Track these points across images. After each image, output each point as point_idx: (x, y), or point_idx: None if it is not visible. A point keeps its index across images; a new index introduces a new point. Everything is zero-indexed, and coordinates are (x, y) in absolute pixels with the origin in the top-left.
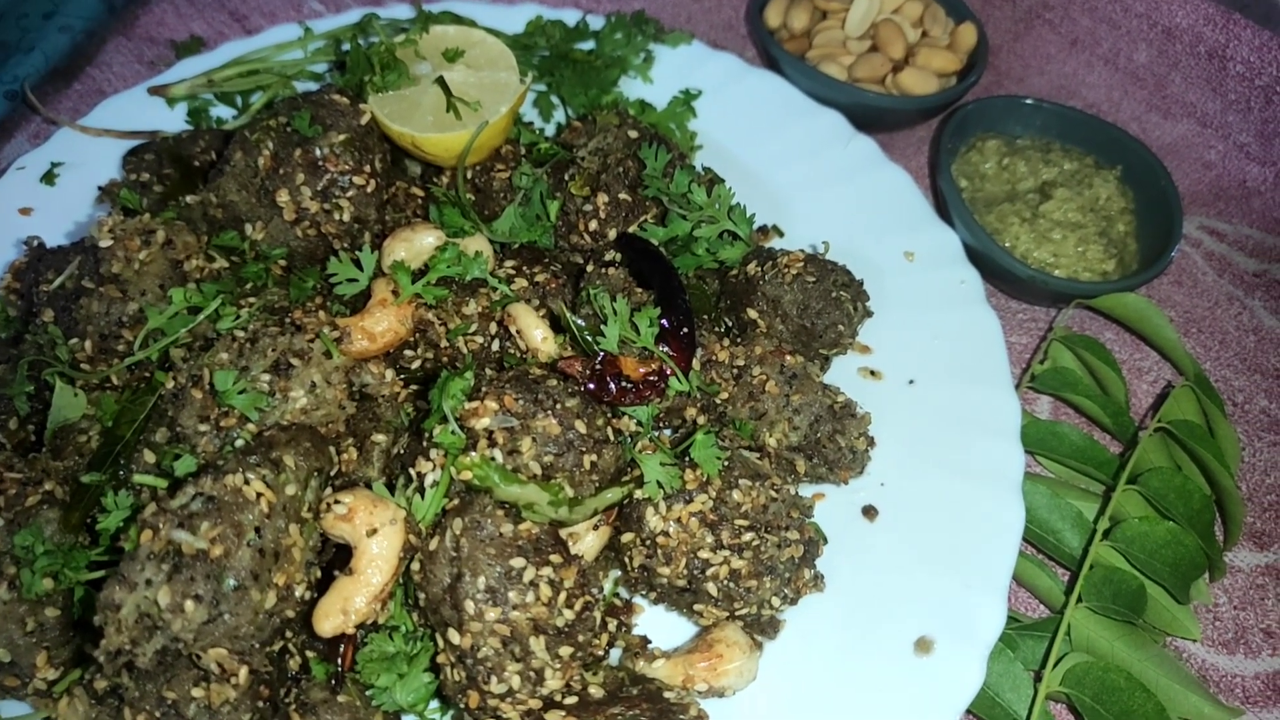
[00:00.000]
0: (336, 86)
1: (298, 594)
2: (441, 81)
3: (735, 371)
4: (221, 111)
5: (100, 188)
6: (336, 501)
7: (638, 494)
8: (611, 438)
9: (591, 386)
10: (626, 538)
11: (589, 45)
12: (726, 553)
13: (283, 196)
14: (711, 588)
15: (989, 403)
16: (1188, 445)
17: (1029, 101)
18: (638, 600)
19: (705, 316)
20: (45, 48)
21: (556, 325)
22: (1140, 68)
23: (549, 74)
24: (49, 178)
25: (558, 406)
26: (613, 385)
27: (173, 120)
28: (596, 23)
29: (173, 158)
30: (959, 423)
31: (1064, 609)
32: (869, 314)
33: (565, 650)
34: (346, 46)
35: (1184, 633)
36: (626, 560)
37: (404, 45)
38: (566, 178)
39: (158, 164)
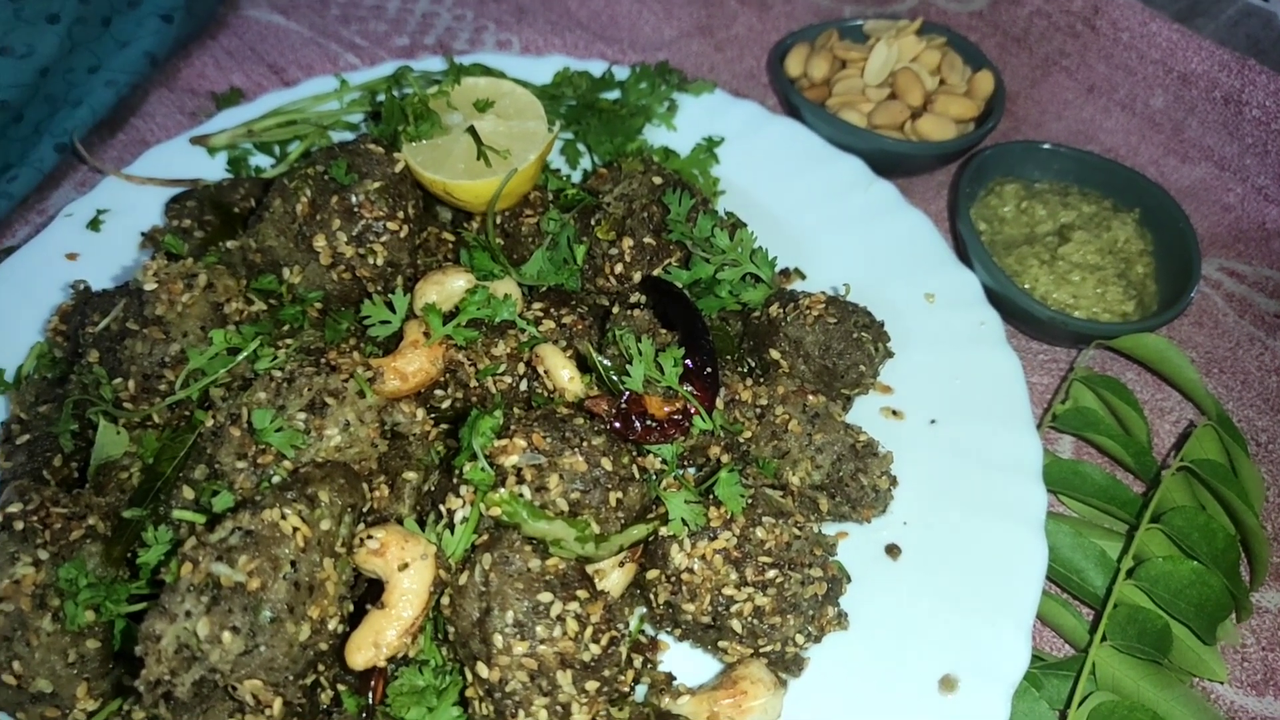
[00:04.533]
0: (372, 136)
1: (331, 627)
2: (472, 131)
3: (758, 411)
4: (260, 160)
5: (143, 234)
6: (369, 537)
7: (663, 531)
8: (637, 475)
9: (617, 425)
10: (651, 574)
11: (614, 95)
12: (750, 590)
13: (319, 242)
14: (736, 624)
15: (1011, 442)
16: (1211, 484)
17: (1046, 146)
18: (663, 637)
19: (728, 357)
20: (92, 102)
21: (583, 365)
22: (1157, 113)
23: (576, 123)
24: (95, 224)
25: (584, 444)
26: (638, 424)
27: (213, 169)
28: (622, 73)
29: (213, 205)
30: (981, 462)
31: (1088, 648)
32: (890, 354)
33: (591, 685)
34: (381, 98)
35: (1210, 674)
36: (652, 597)
37: (436, 96)
38: (593, 222)
39: (199, 211)
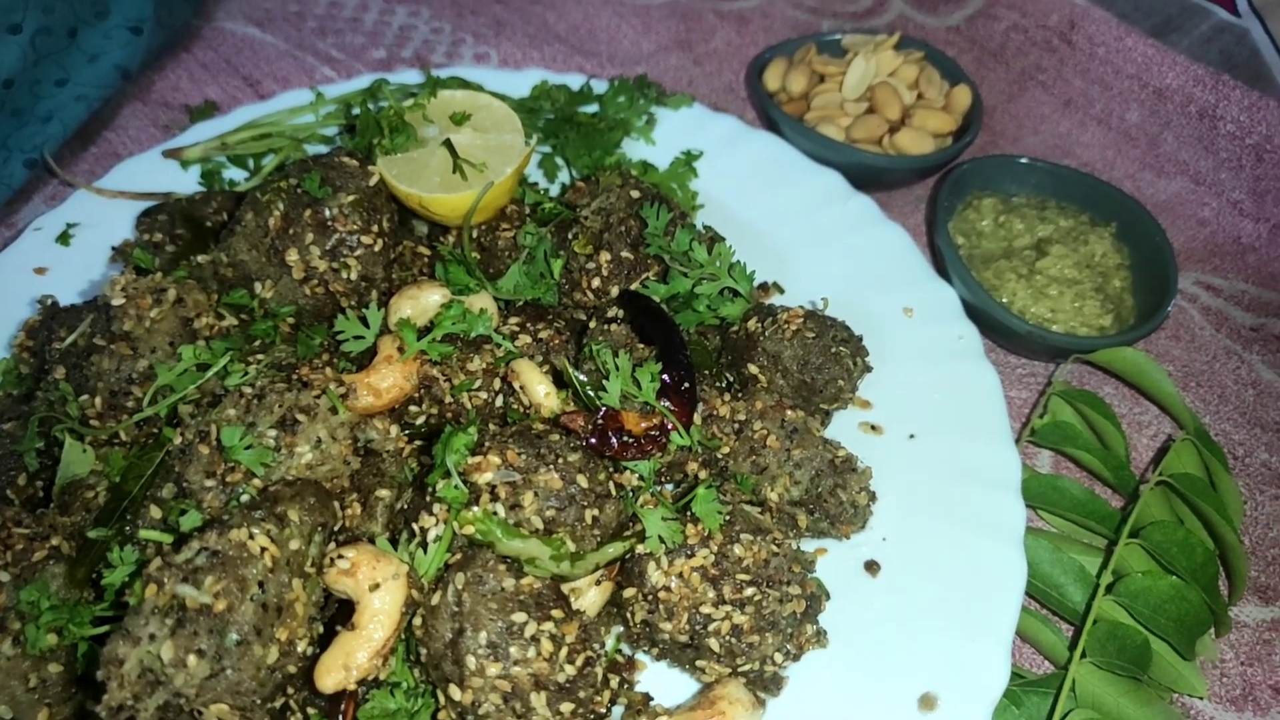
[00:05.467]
0: (346, 149)
1: (300, 649)
2: (449, 144)
3: (736, 426)
4: (234, 174)
5: (114, 248)
6: (340, 556)
7: (639, 549)
8: (613, 492)
9: (593, 441)
10: (628, 593)
11: (593, 108)
12: (729, 608)
13: (292, 256)
14: (714, 643)
15: (989, 457)
16: (1189, 499)
17: (1024, 160)
18: (640, 656)
19: (706, 372)
20: (63, 117)
21: (559, 381)
22: (1133, 127)
23: (553, 136)
24: (64, 238)
25: (560, 461)
26: (614, 440)
27: (186, 182)
28: (600, 87)
29: (185, 218)
30: (960, 477)
31: (1068, 664)
32: (869, 369)
33: (566, 707)
34: (356, 110)
35: (1190, 690)
36: (628, 616)
37: (412, 109)
38: (570, 236)
39: (170, 224)
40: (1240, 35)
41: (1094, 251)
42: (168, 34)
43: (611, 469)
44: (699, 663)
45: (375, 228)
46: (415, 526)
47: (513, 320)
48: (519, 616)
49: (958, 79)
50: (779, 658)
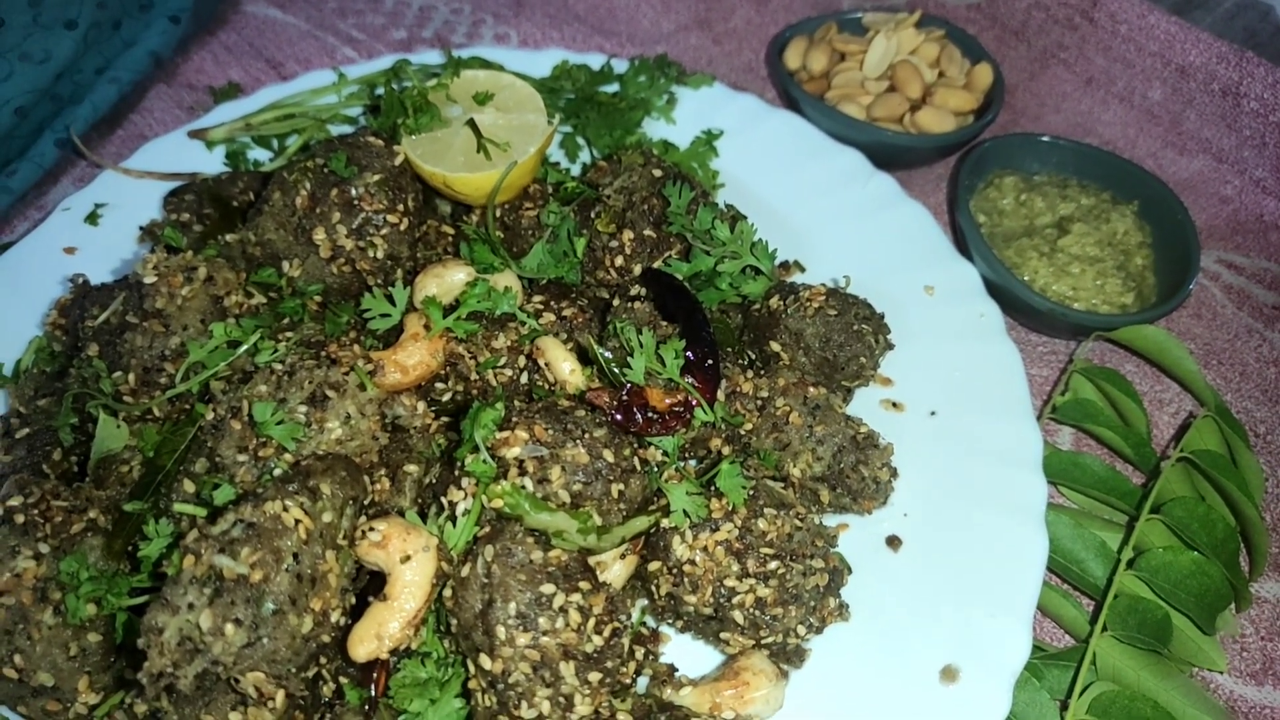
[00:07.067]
0: (371, 129)
1: (333, 619)
2: (472, 123)
3: (759, 403)
4: (258, 154)
5: (142, 227)
6: (371, 529)
7: (664, 523)
8: (638, 467)
9: (619, 417)
10: (653, 566)
11: (613, 88)
12: (752, 581)
13: (319, 234)
14: (738, 616)
15: (1011, 434)
16: (1211, 475)
17: (1045, 139)
18: (664, 629)
19: (729, 349)
20: (94, 98)
21: (584, 358)
22: (1155, 105)
23: (575, 116)
24: (93, 218)
25: (586, 436)
26: (639, 416)
27: (211, 163)
28: (621, 66)
29: (212, 198)
30: (981, 454)
31: (1089, 638)
32: (890, 346)
33: (594, 676)
34: (380, 91)
35: (1209, 664)
36: (653, 588)
37: (436, 89)
38: (593, 215)
39: (198, 204)
40: (1264, 12)
41: (1116, 229)
42: (199, 22)
43: (636, 444)
44: (723, 635)
45: (401, 207)
46: (444, 500)
47: (537, 298)
48: (547, 588)
49: (979, 57)
50: (802, 630)
